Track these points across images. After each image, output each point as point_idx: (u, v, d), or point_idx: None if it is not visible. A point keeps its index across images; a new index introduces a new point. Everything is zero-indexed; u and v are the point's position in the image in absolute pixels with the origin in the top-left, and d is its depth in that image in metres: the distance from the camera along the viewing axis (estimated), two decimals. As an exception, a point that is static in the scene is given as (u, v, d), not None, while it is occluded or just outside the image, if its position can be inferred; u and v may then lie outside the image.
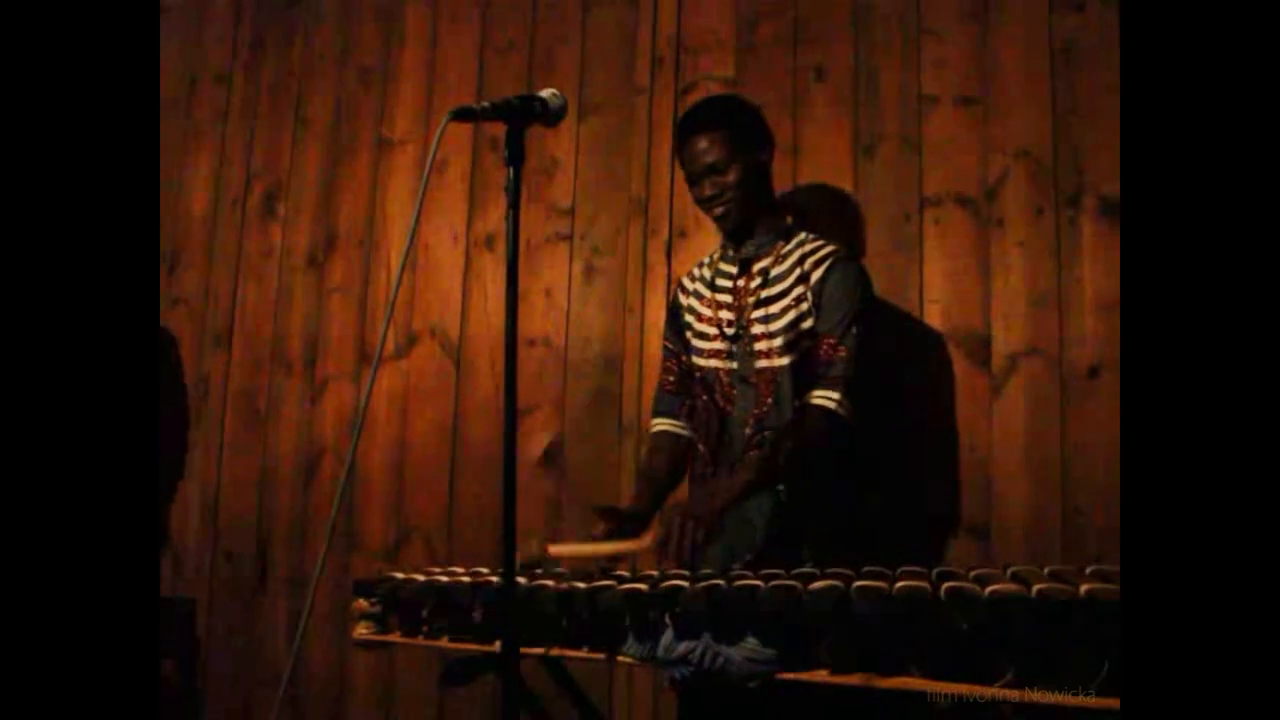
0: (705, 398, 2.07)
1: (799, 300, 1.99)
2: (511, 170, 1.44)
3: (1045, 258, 2.28)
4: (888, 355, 2.34)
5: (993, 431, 2.28)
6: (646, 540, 1.80)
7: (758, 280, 2.04)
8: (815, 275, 1.99)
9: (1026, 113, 2.34)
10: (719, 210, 2.04)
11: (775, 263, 2.04)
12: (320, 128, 3.16)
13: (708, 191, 2.03)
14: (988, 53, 2.40)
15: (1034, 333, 2.27)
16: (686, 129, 2.06)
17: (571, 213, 2.78)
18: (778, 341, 1.99)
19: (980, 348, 2.31)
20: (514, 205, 1.43)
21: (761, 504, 1.93)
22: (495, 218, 2.86)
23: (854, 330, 1.94)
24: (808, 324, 1.98)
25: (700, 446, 2.08)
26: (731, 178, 2.01)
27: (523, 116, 1.47)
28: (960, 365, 2.32)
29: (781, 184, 2.53)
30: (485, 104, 1.48)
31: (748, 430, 2.00)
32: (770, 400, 1.98)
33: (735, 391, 2.03)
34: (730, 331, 2.05)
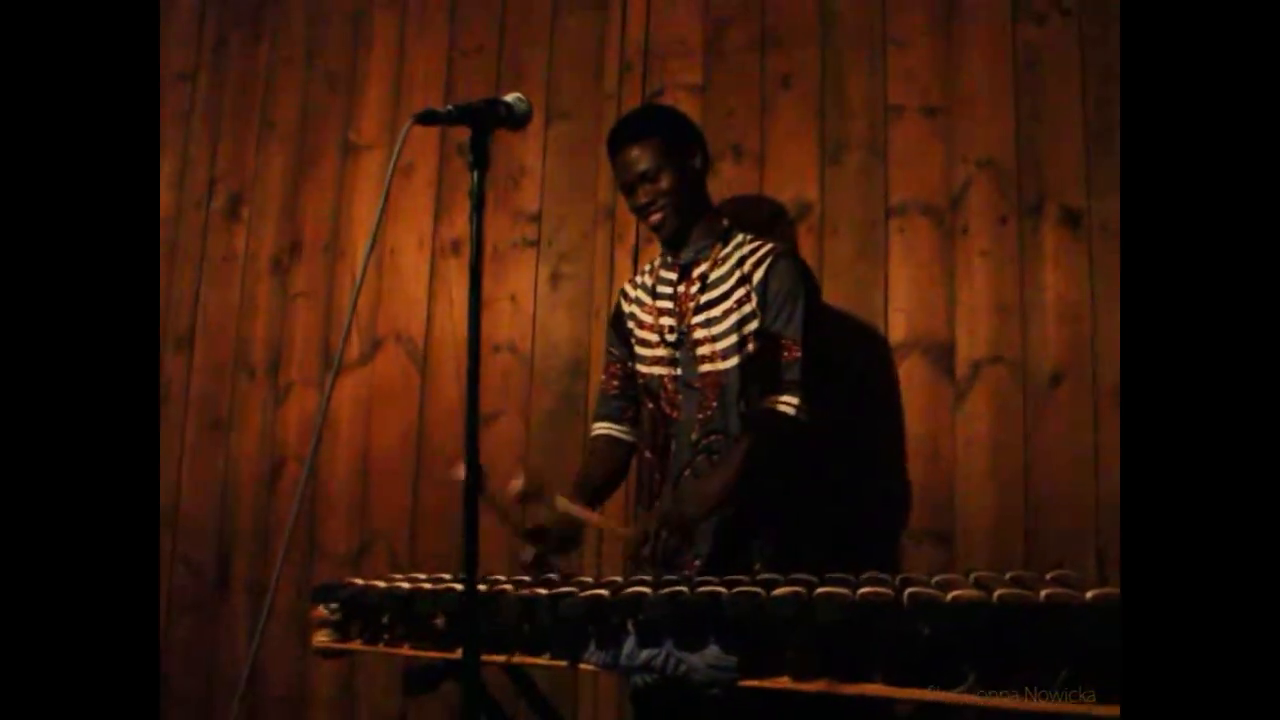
0: (650, 405, 2.08)
1: (741, 302, 1.99)
2: (475, 174, 1.43)
3: (1008, 266, 2.31)
4: (852, 363, 2.36)
5: (956, 438, 2.29)
6: (629, 530, 1.85)
7: (697, 285, 2.05)
8: (757, 275, 1.99)
9: (990, 122, 2.37)
10: (655, 217, 2.04)
11: (713, 266, 2.04)
12: (286, 130, 3.13)
13: (642, 199, 2.04)
14: (952, 63, 2.42)
15: (997, 340, 2.29)
16: (617, 140, 2.07)
17: (538, 218, 2.78)
18: (721, 345, 1.99)
19: (944, 355, 2.33)
20: (478, 210, 1.43)
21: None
22: (462, 223, 2.84)
23: (805, 329, 1.95)
24: (753, 325, 1.97)
25: (646, 453, 2.08)
26: (665, 184, 2.02)
27: (487, 120, 1.47)
28: (924, 372, 2.34)
29: (748, 191, 2.54)
30: (449, 108, 1.47)
31: (694, 435, 2.00)
32: (715, 404, 1.98)
33: (680, 397, 2.03)
34: (671, 338, 2.05)
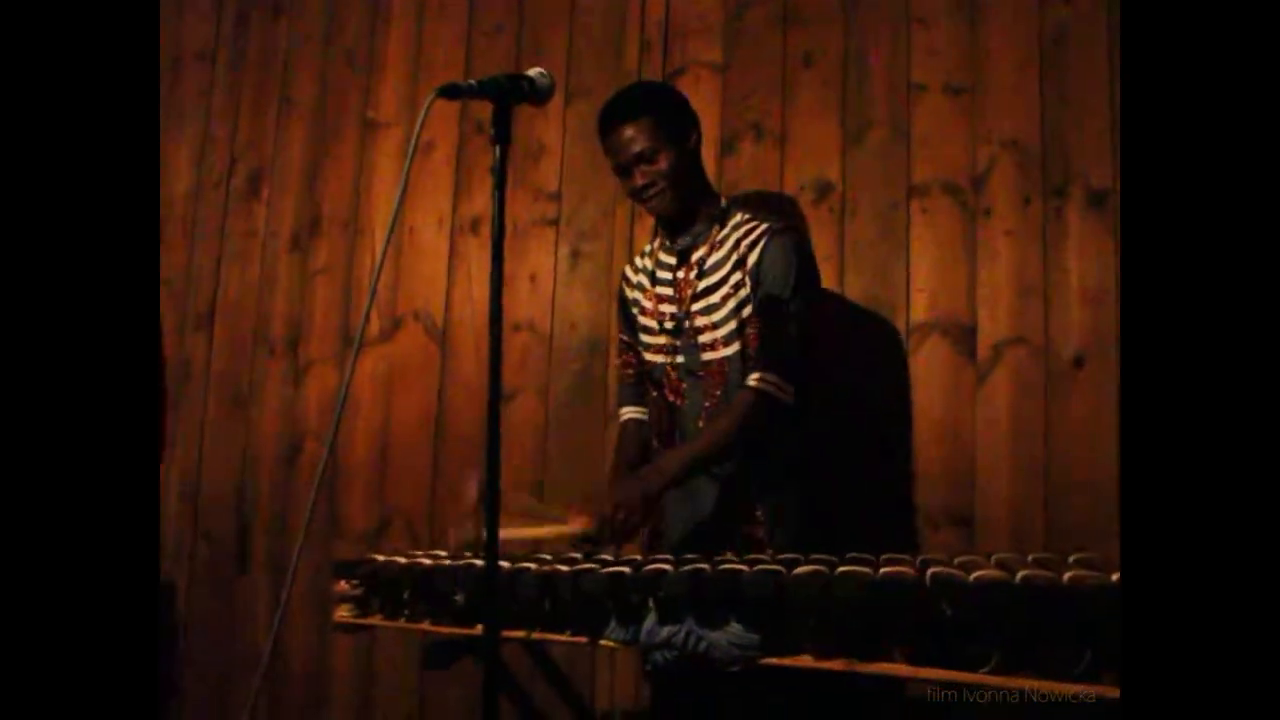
0: (655, 392, 2.06)
1: (738, 287, 1.96)
2: (498, 149, 1.43)
3: (1032, 247, 2.29)
4: (872, 343, 2.34)
5: (977, 420, 2.28)
6: (579, 524, 1.80)
7: (695, 271, 2.01)
8: (751, 257, 1.95)
9: (1015, 103, 2.34)
10: (653, 201, 1.99)
11: (711, 251, 2.00)
12: (305, 108, 3.13)
13: (639, 182, 1.98)
14: (977, 42, 2.39)
15: (1020, 322, 2.28)
16: (609, 120, 2.00)
17: (558, 197, 2.77)
18: (722, 332, 1.97)
19: (966, 336, 2.31)
20: (500, 185, 1.42)
21: (708, 484, 1.94)
22: (481, 201, 2.84)
23: (792, 307, 1.91)
24: (749, 309, 1.94)
25: (654, 441, 2.07)
26: (662, 165, 1.96)
27: (510, 95, 1.46)
28: (946, 354, 2.32)
29: (769, 170, 2.53)
30: (472, 82, 1.47)
31: (700, 423, 1.98)
32: (719, 392, 1.96)
33: (685, 385, 2.01)
34: (670, 325, 2.03)
